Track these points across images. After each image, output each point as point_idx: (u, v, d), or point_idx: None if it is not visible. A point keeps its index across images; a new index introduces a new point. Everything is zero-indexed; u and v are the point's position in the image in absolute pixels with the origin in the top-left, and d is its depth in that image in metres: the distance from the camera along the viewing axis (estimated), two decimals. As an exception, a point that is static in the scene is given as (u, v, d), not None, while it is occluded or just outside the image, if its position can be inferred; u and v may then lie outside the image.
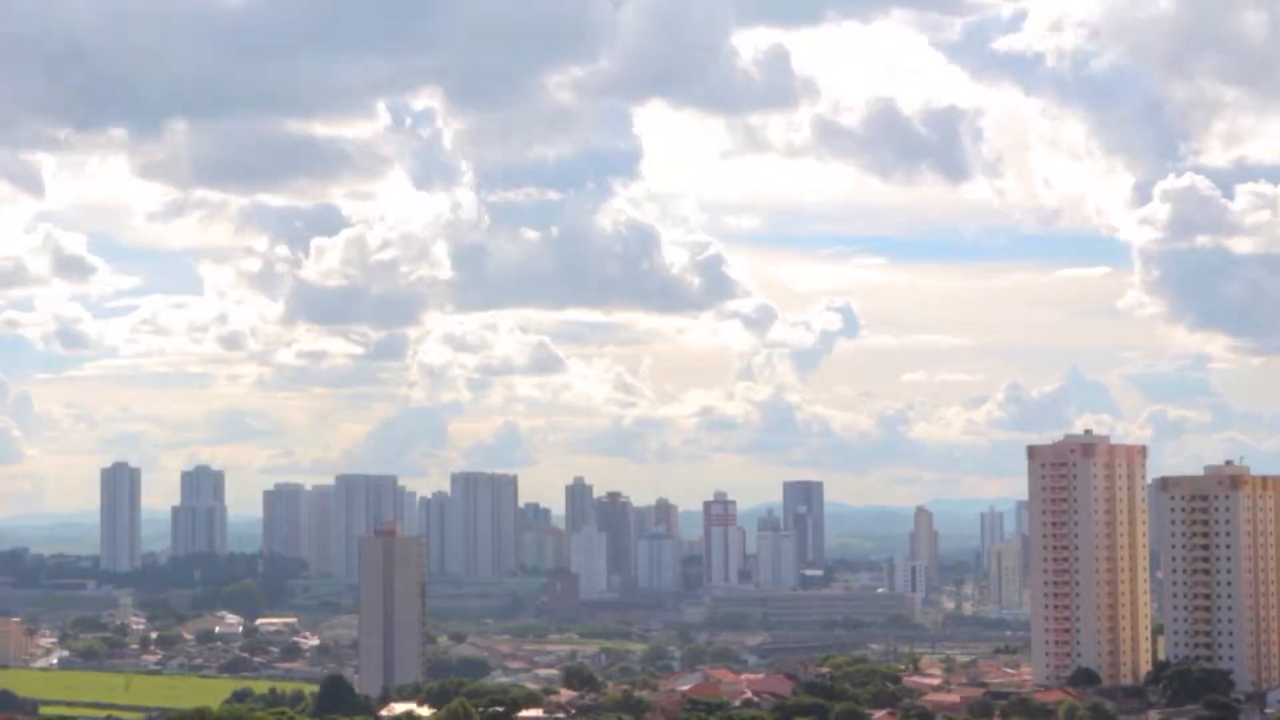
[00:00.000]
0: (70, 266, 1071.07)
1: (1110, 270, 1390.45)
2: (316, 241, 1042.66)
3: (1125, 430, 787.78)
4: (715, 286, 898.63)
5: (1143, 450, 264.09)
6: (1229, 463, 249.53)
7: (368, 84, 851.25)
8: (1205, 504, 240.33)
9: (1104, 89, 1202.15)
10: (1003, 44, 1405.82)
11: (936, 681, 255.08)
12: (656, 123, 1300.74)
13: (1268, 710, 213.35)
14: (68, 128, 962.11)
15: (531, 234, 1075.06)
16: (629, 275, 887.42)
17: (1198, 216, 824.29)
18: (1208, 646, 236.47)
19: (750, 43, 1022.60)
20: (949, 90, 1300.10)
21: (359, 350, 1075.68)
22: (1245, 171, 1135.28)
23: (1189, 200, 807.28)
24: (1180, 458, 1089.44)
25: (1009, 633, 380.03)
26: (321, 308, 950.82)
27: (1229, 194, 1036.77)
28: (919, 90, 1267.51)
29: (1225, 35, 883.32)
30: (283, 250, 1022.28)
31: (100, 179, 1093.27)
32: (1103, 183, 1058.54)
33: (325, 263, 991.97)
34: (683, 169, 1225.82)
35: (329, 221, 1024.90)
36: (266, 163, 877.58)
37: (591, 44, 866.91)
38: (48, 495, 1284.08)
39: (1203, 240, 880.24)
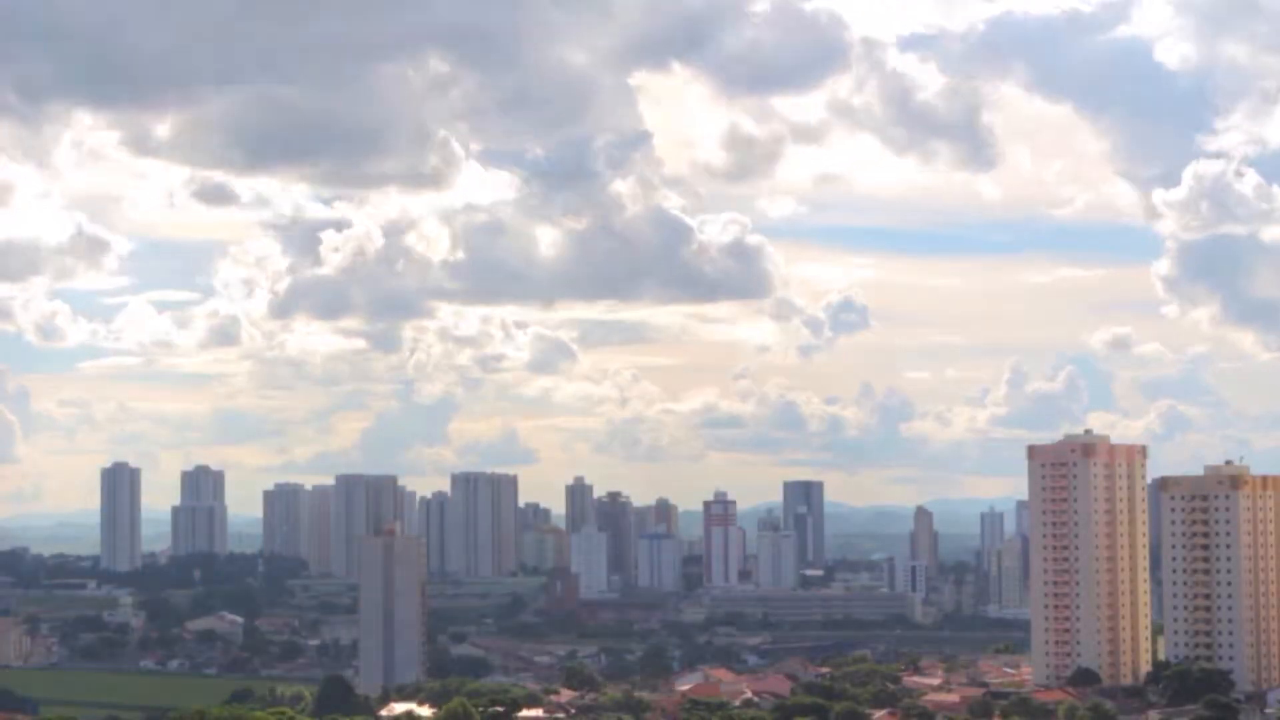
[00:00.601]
0: (68, 261, 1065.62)
1: (1117, 265, 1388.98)
2: (314, 234, 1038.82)
3: (1127, 429, 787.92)
4: (717, 281, 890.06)
5: (1143, 450, 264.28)
6: (1229, 462, 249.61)
7: (363, 52, 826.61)
8: (1205, 504, 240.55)
9: (1122, 73, 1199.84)
10: (1018, 27, 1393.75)
11: (936, 681, 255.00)
12: (667, 97, 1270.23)
13: (1268, 710, 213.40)
14: (62, 106, 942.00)
15: (536, 225, 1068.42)
16: (630, 270, 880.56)
17: (1217, 207, 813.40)
18: (1208, 646, 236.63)
19: (768, 10, 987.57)
20: (968, 75, 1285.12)
21: (358, 348, 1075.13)
22: (1270, 158, 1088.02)
23: (1208, 191, 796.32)
24: (1181, 456, 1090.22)
25: (1009, 633, 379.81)
26: (320, 304, 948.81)
27: (1253, 180, 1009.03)
28: (940, 74, 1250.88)
29: (1255, 11, 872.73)
30: (280, 244, 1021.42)
31: (94, 165, 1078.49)
32: (1117, 174, 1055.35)
33: (322, 257, 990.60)
34: (690, 148, 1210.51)
35: (328, 211, 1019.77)
36: (258, 146, 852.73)
37: (602, 8, 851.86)
38: (48, 495, 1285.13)
39: (1221, 231, 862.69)
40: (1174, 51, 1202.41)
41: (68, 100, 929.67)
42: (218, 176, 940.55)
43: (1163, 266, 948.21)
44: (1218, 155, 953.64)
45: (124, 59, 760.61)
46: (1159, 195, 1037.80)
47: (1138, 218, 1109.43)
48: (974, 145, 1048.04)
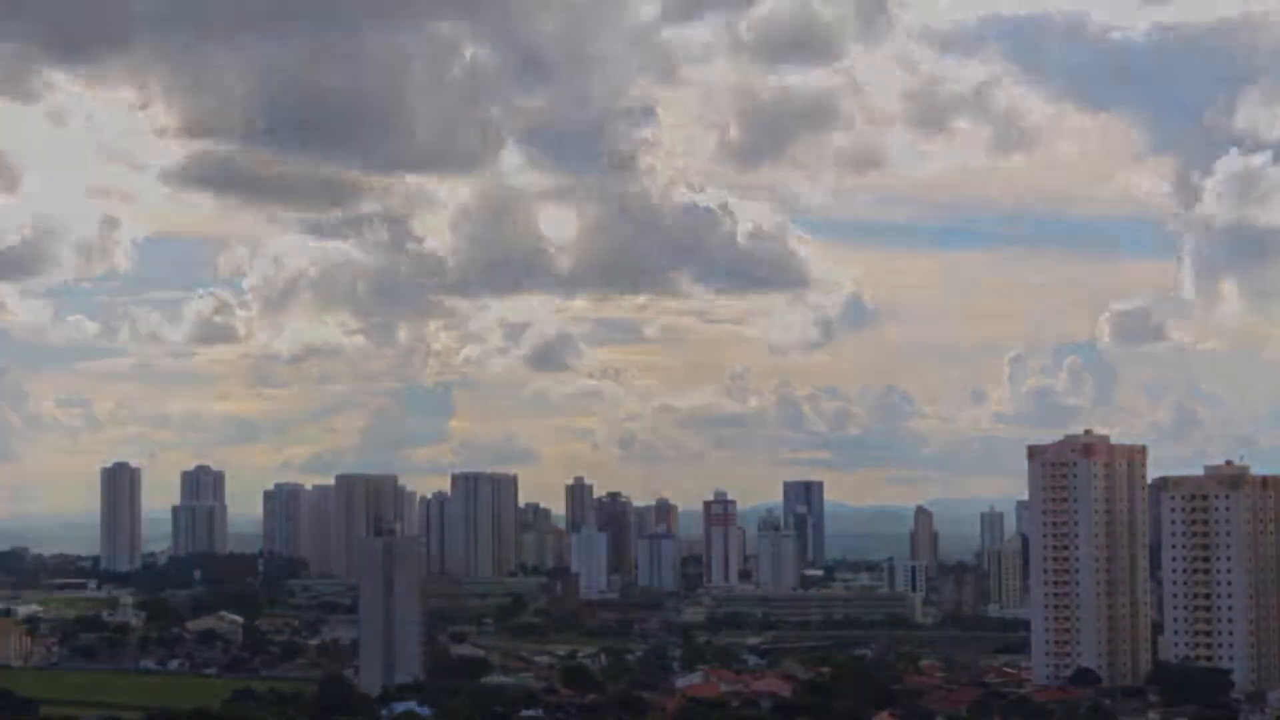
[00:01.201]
0: (67, 258, 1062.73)
1: (1123, 262, 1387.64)
2: (312, 230, 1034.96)
3: (1130, 427, 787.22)
4: (716, 278, 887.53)
5: (1143, 450, 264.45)
6: (1229, 462, 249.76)
7: (362, 21, 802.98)
8: (1205, 504, 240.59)
9: (1139, 66, 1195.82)
10: (1034, 19, 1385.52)
11: (936, 681, 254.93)
12: (681, 77, 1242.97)
13: (1267, 710, 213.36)
14: (56, 71, 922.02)
15: (538, 216, 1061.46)
16: (628, 266, 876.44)
17: (1236, 201, 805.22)
18: (1208, 646, 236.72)
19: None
20: (988, 66, 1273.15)
21: (359, 347, 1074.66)
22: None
23: (1227, 185, 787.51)
24: (1185, 454, 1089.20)
25: (1009, 633, 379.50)
26: (322, 302, 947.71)
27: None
28: (961, 64, 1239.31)
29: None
30: (279, 241, 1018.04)
31: (92, 157, 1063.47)
32: (1131, 169, 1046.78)
33: (325, 253, 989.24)
34: (695, 129, 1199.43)
35: (327, 206, 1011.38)
36: (255, 134, 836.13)
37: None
38: (48, 495, 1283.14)
39: (1236, 227, 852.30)
40: (1190, 42, 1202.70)
41: (61, 78, 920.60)
42: (217, 168, 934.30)
43: (1170, 263, 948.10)
44: (1236, 147, 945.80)
45: (124, 37, 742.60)
46: (1170, 191, 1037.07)
47: (1148, 213, 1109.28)
48: (989, 137, 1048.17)
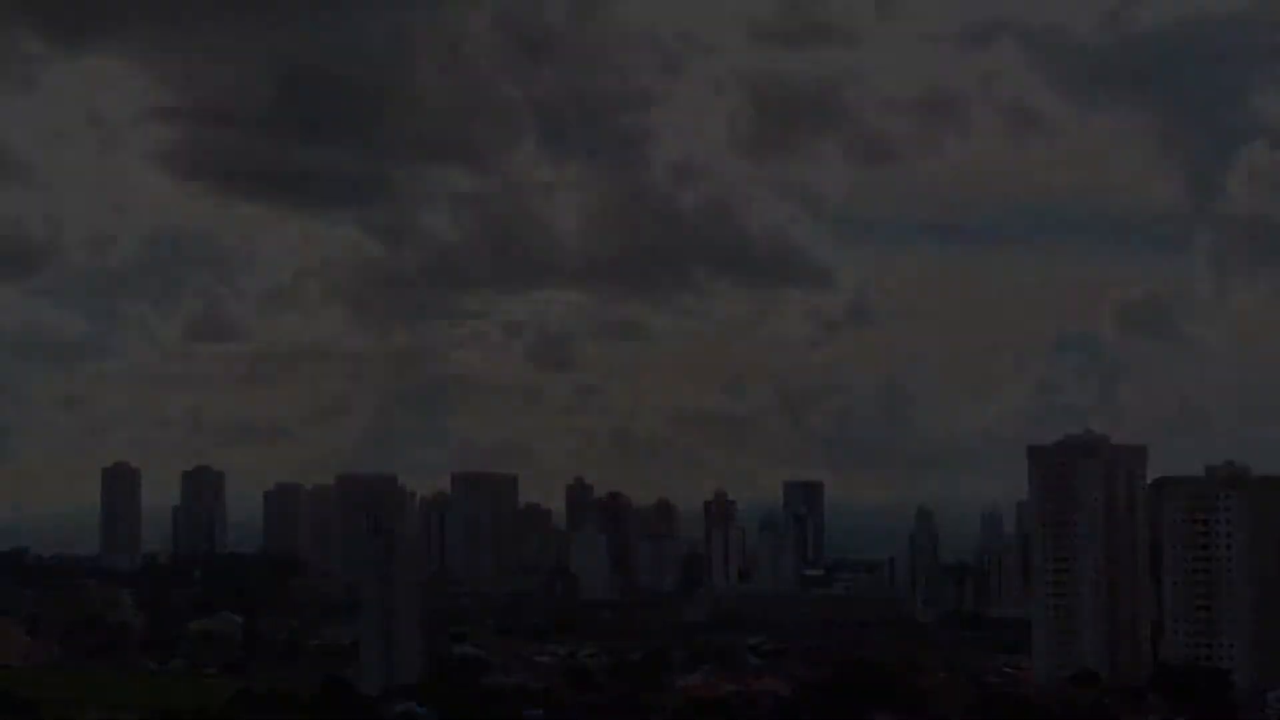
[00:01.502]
0: (65, 256, 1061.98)
1: (1126, 260, 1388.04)
2: (315, 223, 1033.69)
3: (1130, 427, 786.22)
4: (719, 273, 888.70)
5: (1143, 450, 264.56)
6: (1229, 462, 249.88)
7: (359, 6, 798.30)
8: (1205, 504, 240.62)
9: (1154, 56, 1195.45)
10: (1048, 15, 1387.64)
11: (936, 681, 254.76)
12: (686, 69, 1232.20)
13: (1268, 710, 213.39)
14: (55, 52, 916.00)
15: (538, 213, 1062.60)
16: (630, 263, 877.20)
17: (1247, 198, 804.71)
18: (1208, 646, 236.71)
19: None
20: (988, 58, 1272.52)
21: (358, 346, 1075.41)
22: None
23: (1239, 182, 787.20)
24: (1185, 453, 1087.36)
25: (1009, 633, 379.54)
26: (323, 299, 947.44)
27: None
28: (971, 55, 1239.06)
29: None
30: (283, 235, 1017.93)
31: (91, 152, 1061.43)
32: (1137, 166, 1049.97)
33: (326, 250, 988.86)
34: (700, 122, 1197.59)
35: (331, 197, 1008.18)
36: (244, 125, 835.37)
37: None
38: (47, 495, 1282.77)
39: (1241, 224, 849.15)
40: (1203, 35, 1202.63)
41: (59, 67, 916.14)
42: (218, 161, 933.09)
43: (1170, 261, 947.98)
44: (1247, 143, 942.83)
45: (123, 24, 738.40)
46: (1177, 187, 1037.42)
47: (1154, 209, 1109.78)
48: (999, 131, 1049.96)
